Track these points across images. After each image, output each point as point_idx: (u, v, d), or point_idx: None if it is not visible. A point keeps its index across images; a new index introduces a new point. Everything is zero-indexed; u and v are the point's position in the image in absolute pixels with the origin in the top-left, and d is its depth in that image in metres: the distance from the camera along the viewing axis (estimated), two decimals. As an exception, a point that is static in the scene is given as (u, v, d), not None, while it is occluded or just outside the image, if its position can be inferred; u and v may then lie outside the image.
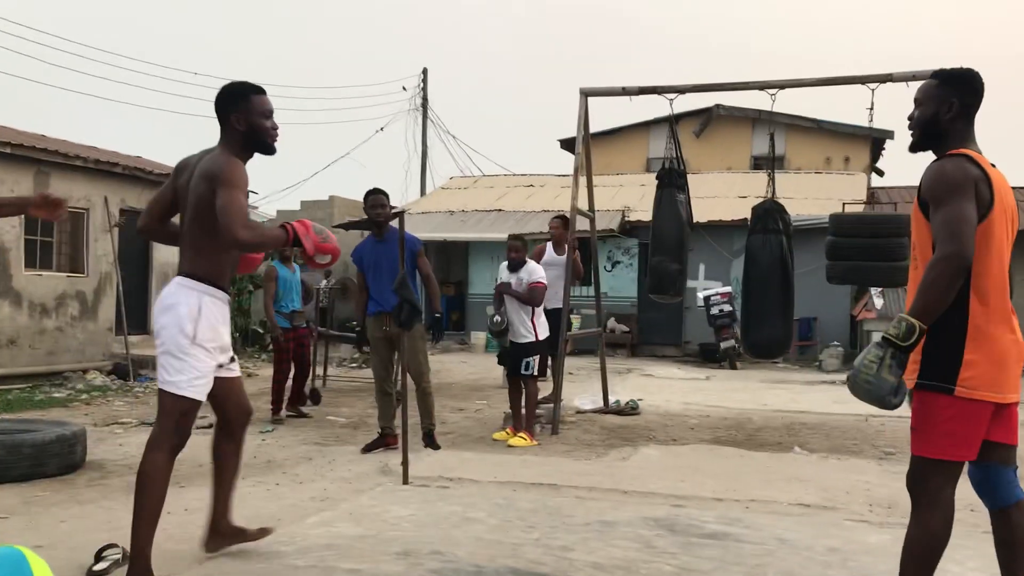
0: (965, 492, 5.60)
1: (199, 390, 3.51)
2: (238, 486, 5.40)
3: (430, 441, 6.72)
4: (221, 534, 3.91)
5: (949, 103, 2.92)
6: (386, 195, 6.77)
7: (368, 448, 6.61)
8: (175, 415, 3.50)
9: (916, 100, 3.02)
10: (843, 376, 13.30)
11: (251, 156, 3.65)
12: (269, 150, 3.66)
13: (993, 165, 2.91)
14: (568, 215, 8.44)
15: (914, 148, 3.04)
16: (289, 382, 8.61)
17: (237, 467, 4.00)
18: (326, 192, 28.66)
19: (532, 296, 7.12)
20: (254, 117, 3.57)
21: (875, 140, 22.06)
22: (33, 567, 1.90)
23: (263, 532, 3.98)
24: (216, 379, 3.60)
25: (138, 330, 14.05)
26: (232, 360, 3.73)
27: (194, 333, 3.46)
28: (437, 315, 7.04)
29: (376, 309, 6.71)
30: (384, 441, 6.65)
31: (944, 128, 2.93)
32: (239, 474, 4.05)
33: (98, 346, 13.17)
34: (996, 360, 2.76)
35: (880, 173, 24.42)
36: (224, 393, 3.71)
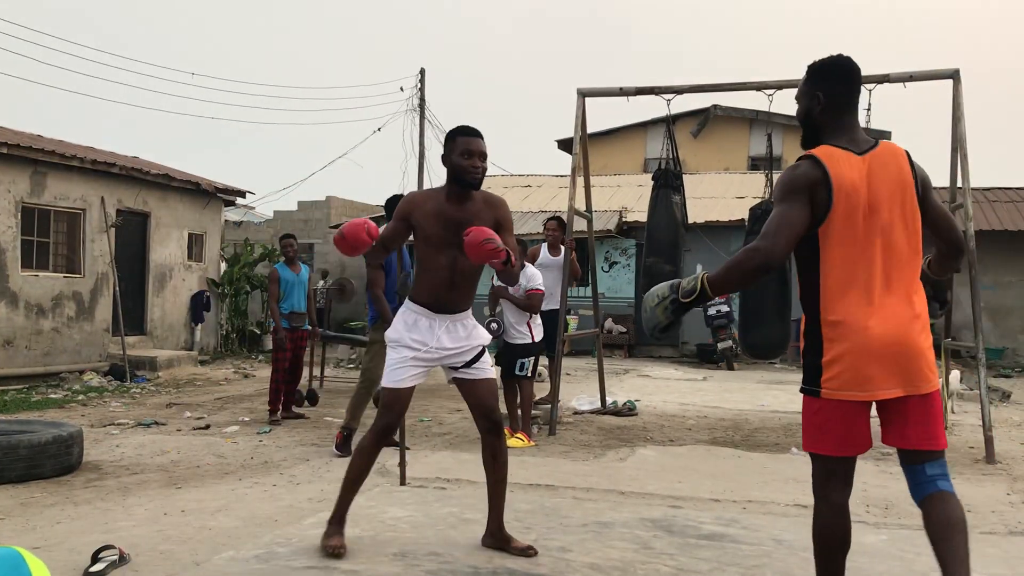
0: (963, 491, 5.61)
1: (386, 379, 4.01)
2: (238, 486, 5.41)
3: (392, 441, 6.77)
4: (491, 535, 4.05)
5: (815, 97, 2.92)
6: None
7: (345, 452, 6.58)
8: (383, 401, 4.04)
9: (796, 98, 3.03)
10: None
11: (459, 189, 4.00)
12: (464, 184, 3.99)
13: (872, 147, 2.84)
14: (564, 216, 8.44)
15: (804, 145, 3.02)
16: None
17: (494, 472, 4.02)
18: (323, 193, 28.66)
19: (530, 303, 7.15)
20: (453, 156, 3.97)
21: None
22: (31, 567, 1.89)
23: (527, 552, 3.90)
24: (458, 379, 4.05)
25: (135, 331, 14.05)
26: (467, 365, 4.01)
27: (389, 335, 4.09)
28: None
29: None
30: (350, 443, 6.66)
31: (818, 122, 2.92)
32: (503, 481, 4.04)
33: (95, 347, 13.15)
34: (859, 356, 2.72)
35: (877, 173, 24.46)
36: (467, 395, 4.08)
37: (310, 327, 8.95)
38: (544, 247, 8.62)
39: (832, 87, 2.89)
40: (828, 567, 2.90)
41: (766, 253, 2.75)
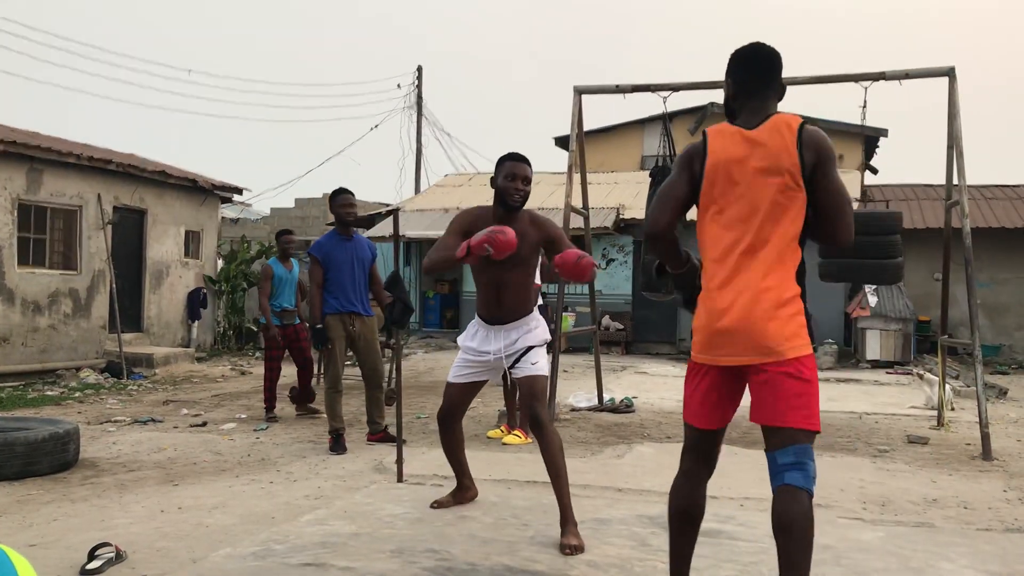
0: (959, 488, 5.64)
1: (450, 375, 4.53)
2: (235, 483, 5.41)
3: (389, 437, 6.81)
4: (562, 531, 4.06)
5: (727, 84, 3.01)
6: (353, 195, 6.94)
7: (342, 450, 6.60)
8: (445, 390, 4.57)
9: None
10: (838, 374, 13.36)
11: (503, 210, 4.26)
12: (506, 206, 4.25)
13: (764, 121, 2.84)
14: (562, 213, 8.43)
15: None
16: (282, 381, 8.59)
17: (550, 465, 4.14)
18: (320, 190, 28.59)
19: None
20: (499, 179, 4.27)
21: (868, 138, 22.08)
22: (16, 565, 1.88)
23: (563, 549, 3.94)
24: (514, 377, 4.38)
25: (132, 328, 14.03)
26: (515, 363, 4.31)
27: (459, 340, 4.58)
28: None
29: (337, 308, 6.77)
30: (342, 441, 6.68)
31: (731, 107, 3.01)
32: (555, 474, 4.10)
33: (91, 344, 13.14)
34: (711, 325, 2.81)
35: (874, 171, 24.44)
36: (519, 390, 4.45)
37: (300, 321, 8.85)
38: None
39: (736, 74, 2.98)
40: (672, 532, 3.00)
41: (647, 224, 2.98)
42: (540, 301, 8.12)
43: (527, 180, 4.27)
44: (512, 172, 4.25)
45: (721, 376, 2.85)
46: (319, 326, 6.73)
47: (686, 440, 3.00)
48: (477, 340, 4.42)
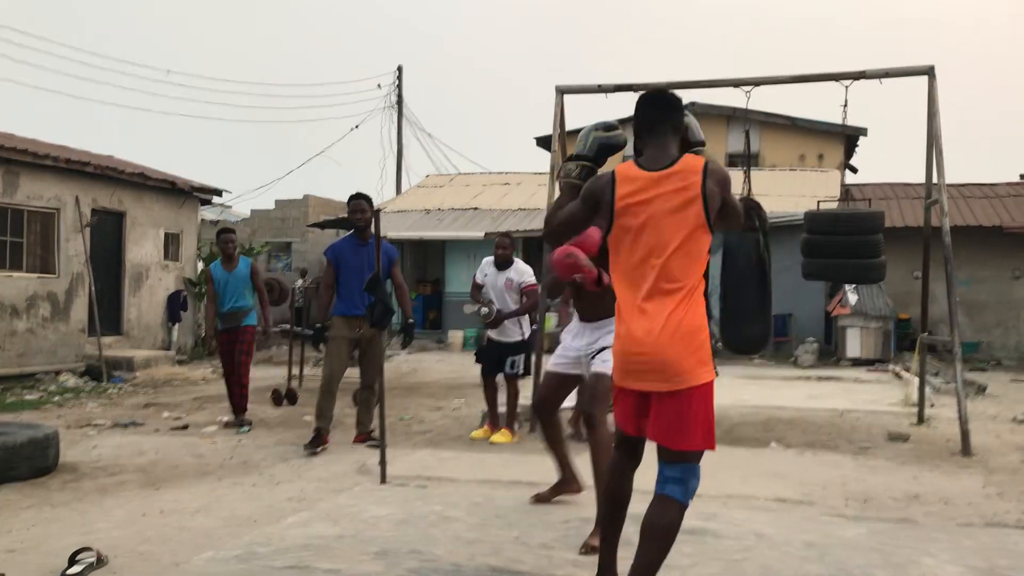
0: (940, 484, 5.68)
1: (548, 363, 4.75)
2: (217, 486, 5.37)
3: (372, 440, 6.79)
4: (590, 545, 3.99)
5: (634, 124, 3.31)
6: (369, 201, 7.01)
7: (314, 449, 6.57)
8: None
9: None
10: (819, 372, 13.43)
11: None
12: None
13: (670, 164, 3.09)
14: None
15: None
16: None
17: (595, 464, 4.20)
18: (301, 191, 28.44)
19: (530, 302, 7.22)
20: None
21: (849, 137, 22.24)
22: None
23: (580, 548, 3.99)
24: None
25: (111, 331, 13.91)
26: (591, 359, 4.46)
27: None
28: (411, 321, 7.17)
29: (343, 311, 6.81)
30: (323, 439, 6.70)
31: (637, 146, 3.30)
32: (600, 474, 4.09)
33: (70, 347, 13.01)
34: (621, 354, 3.12)
35: (854, 170, 24.64)
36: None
37: (260, 325, 8.44)
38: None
39: (637, 116, 3.27)
40: (603, 507, 3.43)
41: (547, 228, 3.50)
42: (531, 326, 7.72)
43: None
44: None
45: (631, 393, 3.13)
46: (319, 325, 6.86)
47: (616, 434, 3.34)
48: (571, 335, 4.66)
